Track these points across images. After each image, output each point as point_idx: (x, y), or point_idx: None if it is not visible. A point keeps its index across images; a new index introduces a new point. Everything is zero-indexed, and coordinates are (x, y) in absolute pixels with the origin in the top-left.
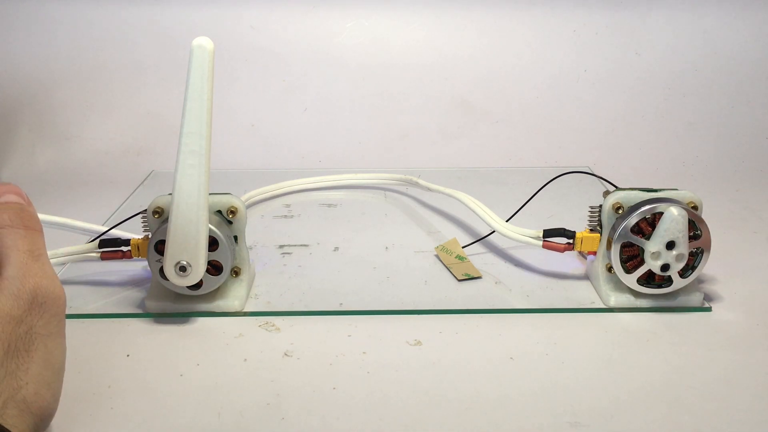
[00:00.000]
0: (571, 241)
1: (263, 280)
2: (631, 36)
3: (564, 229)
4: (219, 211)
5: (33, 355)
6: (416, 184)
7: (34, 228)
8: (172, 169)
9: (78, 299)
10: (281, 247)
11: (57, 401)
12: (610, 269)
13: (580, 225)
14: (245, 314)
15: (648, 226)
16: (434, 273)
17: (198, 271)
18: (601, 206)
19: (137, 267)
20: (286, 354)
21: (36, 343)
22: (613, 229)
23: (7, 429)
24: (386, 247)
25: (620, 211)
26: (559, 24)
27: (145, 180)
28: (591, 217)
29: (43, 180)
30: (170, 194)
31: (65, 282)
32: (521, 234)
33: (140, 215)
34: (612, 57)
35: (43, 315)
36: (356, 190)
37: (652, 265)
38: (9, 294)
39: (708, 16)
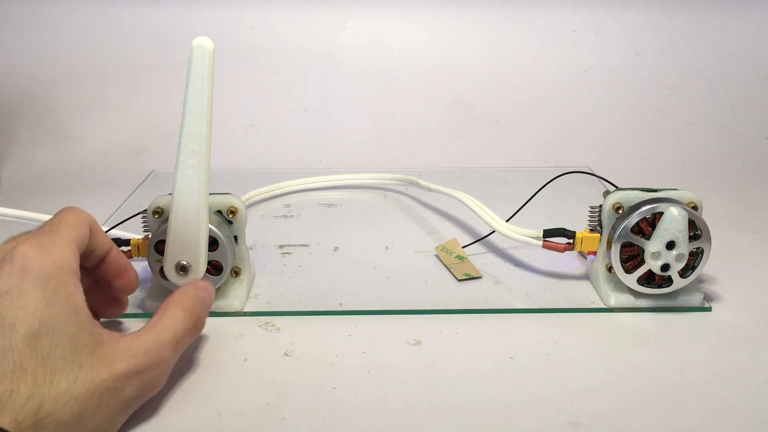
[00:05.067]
0: (571, 241)
1: (263, 280)
2: (631, 36)
3: (564, 229)
4: (219, 211)
5: (107, 411)
6: (416, 184)
7: (198, 330)
8: (172, 169)
9: None
10: (281, 247)
11: None
12: (610, 269)
13: (580, 225)
14: (245, 314)
15: (648, 226)
16: (434, 273)
17: (198, 271)
18: (601, 206)
19: (137, 267)
20: (286, 354)
21: (117, 404)
22: (613, 229)
23: None
24: (386, 247)
25: (620, 211)
26: (559, 24)
27: (145, 180)
28: (591, 217)
29: (43, 180)
30: (170, 194)
31: None
32: (521, 234)
33: (140, 215)
34: (612, 57)
35: (138, 388)
36: (356, 190)
37: (652, 265)
38: (129, 351)
39: (708, 16)
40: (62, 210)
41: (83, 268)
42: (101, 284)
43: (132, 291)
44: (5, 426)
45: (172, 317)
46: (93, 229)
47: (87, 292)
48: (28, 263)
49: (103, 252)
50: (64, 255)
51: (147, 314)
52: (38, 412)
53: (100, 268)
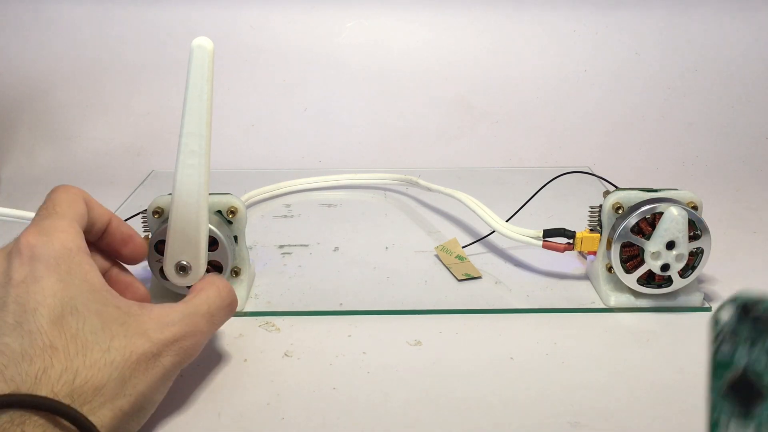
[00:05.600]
0: (571, 241)
1: (263, 280)
2: (631, 36)
3: (564, 229)
4: (219, 211)
5: (147, 377)
6: (416, 184)
7: (231, 311)
8: (172, 169)
9: None
10: (281, 247)
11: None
12: (609, 269)
13: (580, 225)
14: (245, 314)
15: (648, 226)
16: (434, 273)
17: (198, 271)
18: (601, 206)
19: (137, 267)
20: (286, 354)
21: (155, 370)
22: (613, 229)
23: (95, 427)
24: (386, 247)
25: (620, 211)
26: (559, 24)
27: (145, 180)
28: (591, 217)
29: (43, 180)
30: (170, 194)
31: None
32: (521, 234)
33: (140, 215)
34: (612, 57)
35: (175, 356)
36: (356, 190)
37: (652, 265)
38: (164, 320)
39: (708, 16)
40: (53, 191)
41: (94, 247)
42: (114, 268)
43: (141, 258)
44: None
45: (207, 293)
46: (88, 202)
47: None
48: (34, 251)
49: (104, 223)
50: (68, 236)
51: None
52: (74, 381)
53: (104, 239)
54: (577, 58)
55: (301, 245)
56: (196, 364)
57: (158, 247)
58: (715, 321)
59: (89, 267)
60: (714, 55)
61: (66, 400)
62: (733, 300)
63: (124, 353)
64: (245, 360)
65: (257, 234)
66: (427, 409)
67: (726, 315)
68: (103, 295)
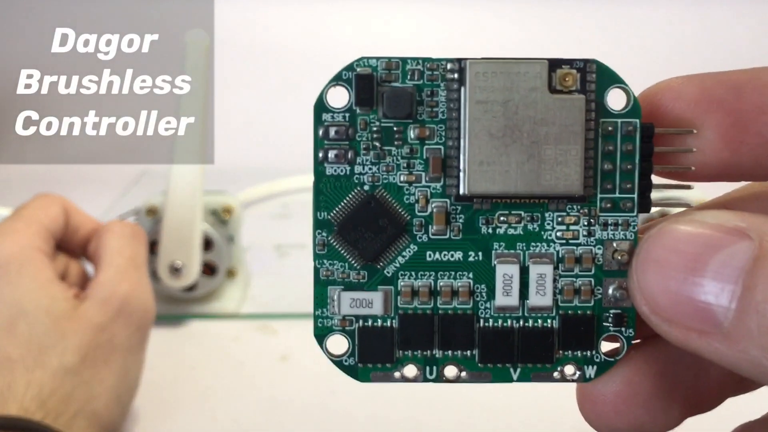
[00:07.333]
0: None
1: (259, 282)
2: (632, 36)
3: None
4: (214, 211)
5: (111, 367)
6: None
7: (141, 239)
8: (166, 168)
9: None
10: (278, 247)
11: (125, 419)
12: None
13: None
14: (241, 317)
15: None
16: None
17: (192, 271)
18: None
19: None
20: (282, 357)
21: (115, 354)
22: None
23: None
24: None
25: None
26: (560, 23)
27: (139, 179)
28: None
29: (38, 180)
30: (164, 193)
31: None
32: None
33: (133, 215)
34: (612, 57)
35: (128, 326)
36: None
37: None
38: (97, 299)
39: (709, 16)
40: (32, 197)
41: (84, 255)
42: None
43: None
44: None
45: (109, 245)
46: (68, 209)
47: None
48: None
49: (89, 230)
50: (22, 236)
51: None
52: (40, 394)
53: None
54: (578, 56)
55: (299, 246)
56: (191, 368)
57: (152, 247)
58: (317, 118)
59: (41, 264)
60: (717, 54)
61: (38, 415)
62: (341, 77)
63: (81, 352)
64: (241, 363)
65: (253, 234)
66: (426, 412)
67: (336, 101)
68: (52, 290)
